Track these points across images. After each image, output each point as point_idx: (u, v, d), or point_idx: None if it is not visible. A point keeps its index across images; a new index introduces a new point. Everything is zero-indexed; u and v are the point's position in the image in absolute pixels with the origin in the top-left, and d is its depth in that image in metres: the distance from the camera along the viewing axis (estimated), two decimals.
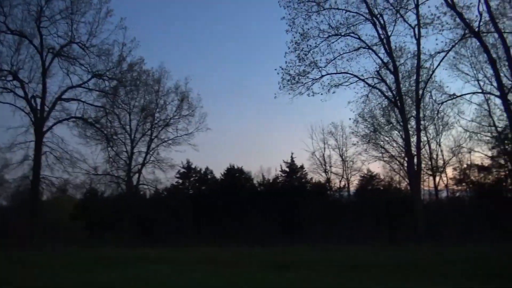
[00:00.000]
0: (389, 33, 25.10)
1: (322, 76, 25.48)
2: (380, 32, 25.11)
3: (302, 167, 35.89)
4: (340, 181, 34.91)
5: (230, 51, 69.46)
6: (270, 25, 67.28)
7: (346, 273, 9.78)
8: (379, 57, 25.75)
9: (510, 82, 23.14)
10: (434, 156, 31.85)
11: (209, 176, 36.51)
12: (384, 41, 25.13)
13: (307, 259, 13.99)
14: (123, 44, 27.35)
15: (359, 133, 30.93)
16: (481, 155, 31.38)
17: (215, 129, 57.61)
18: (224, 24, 70.63)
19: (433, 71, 25.40)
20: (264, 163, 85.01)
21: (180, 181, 35.69)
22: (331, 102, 52.57)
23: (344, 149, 34.78)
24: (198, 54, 66.01)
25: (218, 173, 36.56)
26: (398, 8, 24.59)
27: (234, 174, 35.84)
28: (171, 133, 33.77)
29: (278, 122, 61.44)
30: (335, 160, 36.72)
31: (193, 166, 36.06)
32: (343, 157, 34.85)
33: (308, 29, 24.89)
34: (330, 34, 25.16)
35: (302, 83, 25.30)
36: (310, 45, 25.10)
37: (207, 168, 36.35)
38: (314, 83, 25.44)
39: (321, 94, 25.51)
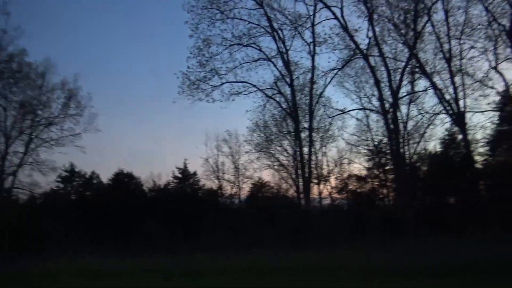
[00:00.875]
0: (287, 48, 26.62)
1: (222, 83, 25.91)
2: (279, 45, 26.47)
3: (195, 173, 35.61)
4: (232, 188, 35.48)
5: (129, 52, 65.95)
6: (173, 29, 65.47)
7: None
8: (277, 69, 27.11)
9: (389, 100, 25.98)
10: (320, 166, 34.29)
11: (94, 181, 34.05)
12: (283, 54, 26.53)
13: (211, 267, 13.86)
14: (3, 31, 24.35)
15: (252, 141, 31.96)
16: (359, 166, 34.73)
17: (106, 131, 53.84)
18: (123, 24, 66.93)
19: (326, 86, 27.55)
20: (157, 169, 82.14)
21: (62, 185, 32.63)
22: (230, 110, 53.08)
23: (237, 156, 35.49)
24: (94, 53, 61.29)
25: (105, 177, 34.37)
26: (296, 25, 26.23)
27: (123, 179, 33.99)
28: (54, 133, 30.70)
29: (175, 127, 59.88)
30: (227, 167, 37.22)
31: (77, 170, 33.28)
32: (236, 164, 35.55)
33: (211, 36, 25.10)
34: (232, 43, 25.71)
35: (202, 89, 25.35)
36: (212, 52, 25.33)
37: (93, 172, 33.89)
38: (214, 90, 25.67)
39: (221, 101, 25.86)
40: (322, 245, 24.67)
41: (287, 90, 27.62)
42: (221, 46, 25.47)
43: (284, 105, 27.94)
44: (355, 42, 23.48)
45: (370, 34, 23.40)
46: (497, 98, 26.04)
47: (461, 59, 24.42)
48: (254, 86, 26.67)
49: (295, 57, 37.20)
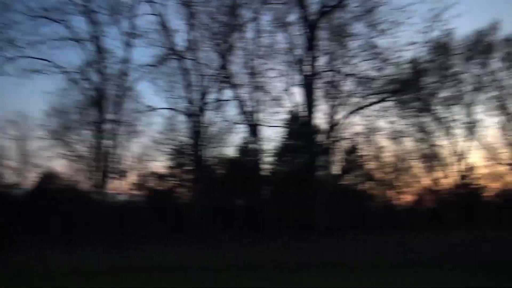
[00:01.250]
0: (102, 33, 25.06)
1: (19, 57, 22.66)
2: (93, 29, 24.71)
3: None
4: (15, 176, 31.06)
5: None
6: None
7: None
8: (87, 54, 25.22)
9: (196, 104, 27.06)
10: (121, 160, 33.16)
11: None
12: (96, 39, 24.85)
13: None
14: None
15: (47, 127, 28.75)
16: (161, 164, 35.03)
17: None
18: None
19: (137, 81, 26.95)
20: None
21: None
22: (25, 88, 45.58)
23: (26, 141, 31.31)
24: None
25: None
26: (114, 12, 24.97)
27: None
28: None
29: None
30: (12, 152, 32.43)
31: None
32: (23, 150, 31.32)
33: (13, 1, 21.75)
34: (38, 15, 22.77)
35: None
36: (11, 19, 21.94)
37: None
38: (6, 62, 22.24)
39: (15, 77, 22.61)
40: (111, 242, 23.96)
41: (95, 77, 25.98)
42: (24, 15, 22.28)
43: (89, 93, 26.18)
44: (172, 43, 23.84)
45: (188, 37, 24.14)
46: (286, 116, 30.27)
47: (262, 77, 27.45)
48: (58, 66, 24.20)
49: (109, 44, 35.21)
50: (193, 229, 26.16)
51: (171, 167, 35.09)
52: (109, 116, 27.04)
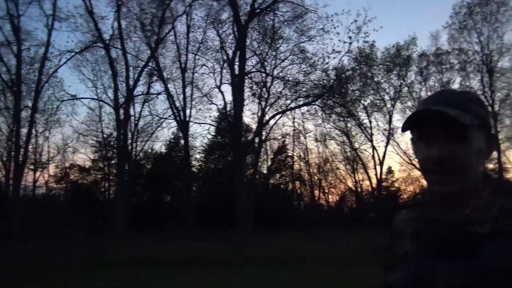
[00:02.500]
0: (20, 12, 23.44)
1: None
2: (10, 7, 23.03)
3: None
4: None
5: None
6: None
7: None
8: (3, 33, 23.49)
9: (124, 96, 26.19)
10: (40, 151, 31.38)
11: None
12: (13, 18, 23.17)
13: None
14: None
15: None
16: (84, 156, 33.58)
17: None
18: None
19: (59, 67, 25.57)
20: None
21: None
22: None
23: None
24: None
25: None
26: None
27: None
28: None
29: None
30: None
31: None
32: None
33: None
34: None
35: None
36: None
37: None
38: None
39: None
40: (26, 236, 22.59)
41: (11, 60, 24.27)
42: None
43: (4, 76, 24.41)
44: (98, 29, 22.83)
45: (116, 25, 23.27)
46: (216, 114, 30.32)
47: (193, 73, 27.22)
48: None
49: (28, 25, 33.08)
50: (116, 225, 25.35)
51: (95, 160, 33.80)
52: (27, 102, 25.40)
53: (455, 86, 30.54)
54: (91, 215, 28.63)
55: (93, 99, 29.81)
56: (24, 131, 24.47)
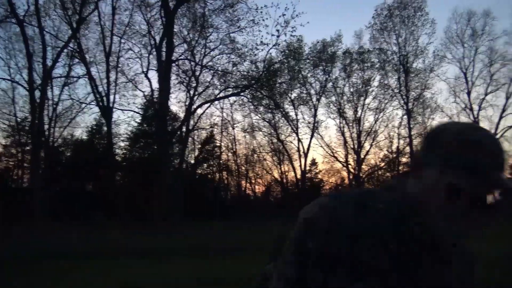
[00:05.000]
0: None
1: None
2: None
3: None
4: None
5: None
6: None
7: None
8: None
9: (40, 78, 24.46)
10: None
11: None
12: None
13: None
14: None
15: None
16: None
17: None
18: None
19: None
20: None
21: None
22: None
23: None
24: None
25: None
26: None
27: None
28: None
29: None
30: None
31: None
32: None
33: None
34: None
35: None
36: None
37: None
38: None
39: None
40: None
41: None
42: None
43: None
44: (11, 3, 20.96)
45: (32, 0, 21.55)
46: (142, 100, 29.36)
47: (118, 57, 26.06)
48: None
49: None
50: (32, 215, 23.72)
51: (7, 146, 31.29)
52: None
53: (375, 83, 32.49)
54: (3, 204, 26.56)
55: (4, 79, 27.49)
56: None
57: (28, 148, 29.98)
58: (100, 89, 25.78)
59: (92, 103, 27.55)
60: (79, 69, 42.23)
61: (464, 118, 39.53)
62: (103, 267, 9.21)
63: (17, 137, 30.55)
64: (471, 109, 35.14)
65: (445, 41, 37.25)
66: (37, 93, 23.53)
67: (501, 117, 34.72)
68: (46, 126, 27.26)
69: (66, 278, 8.05)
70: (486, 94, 34.83)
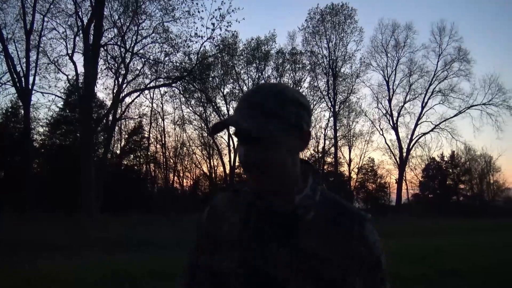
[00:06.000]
0: None
1: None
2: None
3: None
4: None
5: None
6: None
7: None
8: None
9: None
10: None
11: None
12: None
13: None
14: None
15: None
16: None
17: None
18: None
19: None
20: None
21: None
22: None
23: None
24: None
25: None
26: None
27: None
28: None
29: None
30: None
31: None
32: None
33: None
34: None
35: None
36: None
37: None
38: None
39: None
40: None
41: None
42: None
43: None
44: None
45: None
46: (66, 84, 27.67)
47: (40, 36, 24.30)
48: None
49: None
50: None
51: None
52: None
53: (306, 85, 33.52)
54: None
55: None
56: None
57: None
58: (18, 69, 23.92)
59: (8, 83, 25.42)
60: None
61: (384, 123, 42.20)
62: (13, 259, 8.63)
63: None
64: (391, 115, 37.63)
65: (371, 50, 39.58)
66: None
67: (416, 124, 37.58)
68: None
69: None
70: (405, 102, 37.52)
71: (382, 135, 40.01)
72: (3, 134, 29.56)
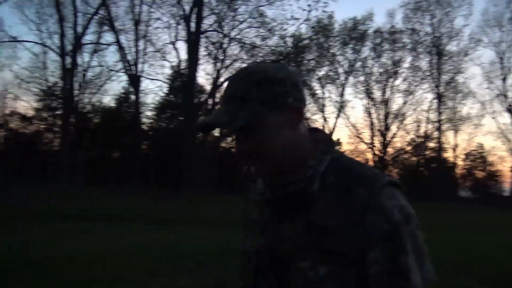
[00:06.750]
0: None
1: None
2: None
3: None
4: None
5: None
6: None
7: None
8: None
9: (71, 43, 24.88)
10: None
11: None
12: None
13: None
14: None
15: None
16: (26, 104, 31.87)
17: None
18: None
19: None
20: None
21: None
22: None
23: None
24: None
25: None
26: None
27: None
28: None
29: None
30: None
31: None
32: None
33: None
34: None
35: None
36: None
37: None
38: None
39: None
40: None
41: None
42: None
43: None
44: None
45: None
46: (169, 71, 29.56)
47: (147, 26, 26.16)
48: None
49: None
50: (60, 178, 24.63)
51: (39, 109, 32.15)
52: None
53: (406, 65, 31.60)
54: (33, 166, 27.59)
55: (36, 43, 28.00)
56: None
57: (58, 112, 30.79)
58: (129, 57, 26.07)
59: (121, 71, 27.92)
60: (108, 37, 42.66)
61: (497, 105, 38.19)
62: (115, 231, 9.41)
63: (48, 102, 31.34)
64: (505, 96, 33.88)
65: (481, 24, 35.73)
66: (68, 59, 24.01)
67: None
68: (75, 92, 27.88)
69: (75, 238, 8.35)
70: None
71: (494, 118, 36.31)
72: (117, 118, 32.66)
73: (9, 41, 25.80)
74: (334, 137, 35.57)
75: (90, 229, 9.42)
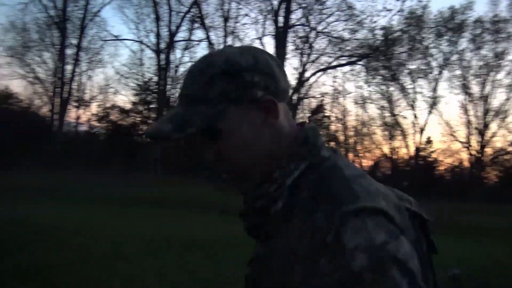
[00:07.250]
0: None
1: None
2: None
3: None
4: None
5: None
6: None
7: None
8: None
9: (165, 41, 26.33)
10: (83, 89, 32.35)
11: None
12: None
13: None
14: None
15: (4, 42, 27.52)
16: (124, 98, 34.42)
17: None
18: None
19: (103, 6, 25.91)
20: None
21: None
22: None
23: None
24: None
25: None
26: None
27: None
28: None
29: None
30: None
31: None
32: None
33: None
34: None
35: None
36: None
37: None
38: None
39: None
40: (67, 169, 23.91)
41: None
42: None
43: (51, 12, 24.96)
44: None
45: None
46: None
47: (236, 22, 26.74)
48: None
49: None
50: (152, 168, 26.37)
51: (135, 103, 34.58)
52: (72, 40, 25.99)
53: (510, 57, 28.67)
54: (128, 155, 29.73)
55: (135, 41, 30.06)
56: (69, 68, 25.27)
57: (152, 106, 32.87)
58: None
59: None
60: (199, 34, 44.29)
61: None
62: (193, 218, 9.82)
63: (144, 96, 33.57)
64: None
65: None
66: (162, 56, 25.45)
67: None
68: (168, 87, 29.50)
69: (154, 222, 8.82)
70: None
71: None
72: None
73: (112, 39, 28.06)
74: (425, 135, 33.59)
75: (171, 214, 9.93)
